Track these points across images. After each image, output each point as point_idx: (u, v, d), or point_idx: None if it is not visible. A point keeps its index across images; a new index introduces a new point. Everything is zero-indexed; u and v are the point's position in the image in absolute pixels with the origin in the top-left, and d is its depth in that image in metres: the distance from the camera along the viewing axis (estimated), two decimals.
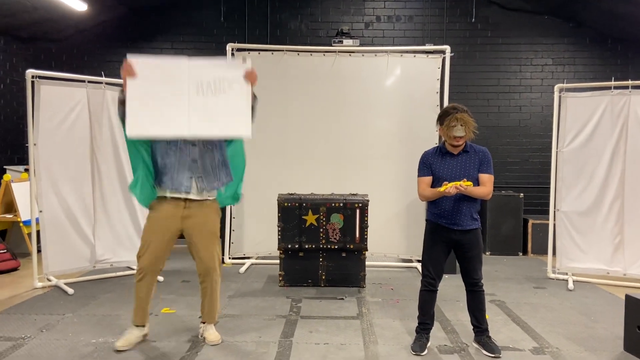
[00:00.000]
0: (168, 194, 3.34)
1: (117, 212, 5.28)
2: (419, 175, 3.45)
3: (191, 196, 3.34)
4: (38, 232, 4.93)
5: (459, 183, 3.20)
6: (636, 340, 3.35)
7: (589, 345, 3.57)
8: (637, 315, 3.36)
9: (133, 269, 5.40)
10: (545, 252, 5.65)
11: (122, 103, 3.16)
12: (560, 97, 5.39)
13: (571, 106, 5.34)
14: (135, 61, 3.12)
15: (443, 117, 3.35)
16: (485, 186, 3.33)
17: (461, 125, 3.27)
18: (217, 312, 3.65)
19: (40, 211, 4.83)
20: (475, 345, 3.52)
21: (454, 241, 3.39)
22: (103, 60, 7.15)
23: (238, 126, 3.22)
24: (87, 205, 5.12)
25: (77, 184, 5.06)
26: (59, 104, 4.91)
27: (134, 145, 3.32)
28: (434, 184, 3.39)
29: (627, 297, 3.48)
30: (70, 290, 4.70)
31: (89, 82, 5.09)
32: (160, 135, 3.17)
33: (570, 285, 5.11)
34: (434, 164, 3.40)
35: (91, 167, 5.14)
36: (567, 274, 5.34)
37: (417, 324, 3.54)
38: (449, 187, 3.18)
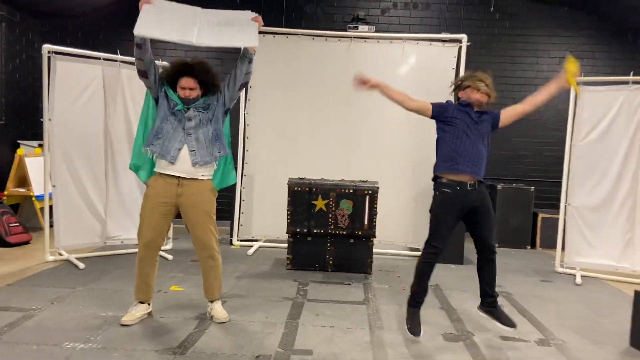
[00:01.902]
0: (162, 170, 3.41)
1: (128, 190, 5.33)
2: (431, 102, 3.42)
3: (178, 172, 3.39)
4: (50, 207, 4.99)
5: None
6: None
7: (594, 339, 3.57)
8: None
9: None
10: (554, 247, 5.63)
11: (138, 46, 3.36)
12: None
13: (587, 100, 5.27)
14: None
15: (466, 80, 3.41)
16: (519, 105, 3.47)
17: (485, 84, 3.33)
18: (220, 290, 3.69)
19: (54, 186, 4.89)
20: (484, 314, 3.49)
21: (468, 204, 3.32)
22: (119, 39, 7.15)
23: (245, 37, 3.40)
24: (100, 182, 5.17)
25: (90, 160, 5.10)
26: (74, 81, 4.94)
27: (146, 102, 3.58)
28: (446, 129, 3.36)
29: (636, 293, 3.46)
30: (81, 265, 4.77)
31: (105, 59, 5.11)
32: (167, 38, 3.32)
33: (578, 280, 5.09)
34: (451, 111, 3.36)
35: (104, 145, 5.18)
36: (575, 268, 5.32)
37: (410, 296, 3.45)
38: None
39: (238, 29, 3.39)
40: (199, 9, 3.48)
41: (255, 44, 3.41)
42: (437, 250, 3.35)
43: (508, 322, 3.41)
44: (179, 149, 3.38)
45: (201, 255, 3.56)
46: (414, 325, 3.39)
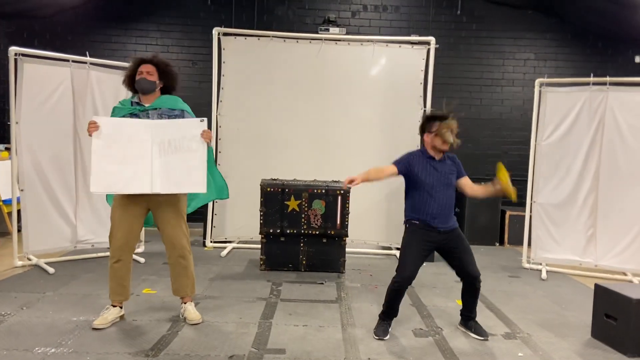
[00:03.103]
0: None
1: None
2: (394, 162, 3.51)
3: None
4: (19, 212, 4.91)
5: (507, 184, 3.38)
6: (603, 327, 3.50)
7: (558, 332, 3.71)
8: (604, 304, 3.50)
9: None
10: (521, 243, 5.80)
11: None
12: (540, 91, 5.50)
13: (551, 101, 5.46)
14: (101, 120, 3.40)
15: (431, 123, 3.44)
16: (473, 184, 3.59)
17: (451, 132, 3.38)
18: (194, 289, 3.71)
19: (22, 190, 4.81)
20: (462, 329, 3.64)
21: (438, 242, 3.45)
22: (87, 40, 7.06)
23: (193, 183, 3.46)
24: (69, 185, 5.11)
25: (59, 164, 5.04)
26: (42, 83, 4.87)
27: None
28: (416, 185, 3.44)
29: (597, 286, 3.62)
30: (50, 270, 4.70)
31: (73, 61, 5.05)
32: (123, 192, 3.39)
33: (544, 275, 5.26)
34: (417, 167, 3.45)
35: (74, 147, 5.12)
36: (541, 264, 5.50)
37: (381, 311, 3.59)
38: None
39: (186, 172, 3.41)
40: (148, 121, 3.42)
41: (202, 190, 3.47)
42: (406, 278, 3.44)
43: (481, 333, 3.54)
44: None
45: (172, 254, 3.56)
46: (379, 330, 3.51)
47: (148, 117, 3.45)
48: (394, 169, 3.49)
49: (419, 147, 3.69)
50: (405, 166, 3.47)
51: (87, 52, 5.23)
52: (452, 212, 3.51)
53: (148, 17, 7.17)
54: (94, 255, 5.27)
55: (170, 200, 3.48)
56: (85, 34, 7.11)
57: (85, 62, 5.12)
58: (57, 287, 4.30)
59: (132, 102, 3.53)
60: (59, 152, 5.02)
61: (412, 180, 3.47)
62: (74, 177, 5.14)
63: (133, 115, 3.46)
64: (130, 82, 3.51)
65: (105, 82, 5.24)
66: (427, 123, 3.48)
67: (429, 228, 3.42)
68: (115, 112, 3.53)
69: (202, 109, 6.90)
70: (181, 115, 3.53)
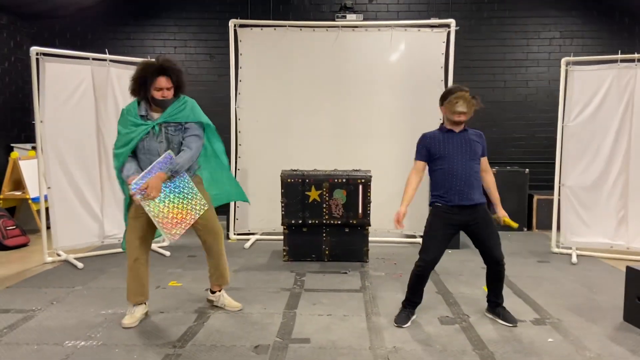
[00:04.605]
0: None
1: None
2: (415, 158, 3.48)
3: None
4: (47, 209, 5.01)
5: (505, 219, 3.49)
6: (635, 311, 3.39)
7: (589, 316, 3.61)
8: (637, 286, 3.39)
9: None
10: (550, 228, 5.67)
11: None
12: (567, 70, 5.33)
13: (578, 80, 5.28)
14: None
15: (446, 96, 3.40)
16: (488, 173, 3.55)
17: (463, 101, 3.31)
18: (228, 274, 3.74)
19: (49, 188, 4.90)
20: (490, 315, 3.58)
21: (463, 223, 3.39)
22: (107, 38, 7.14)
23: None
24: (94, 182, 5.19)
25: (84, 160, 5.12)
26: (64, 81, 4.94)
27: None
28: (437, 162, 3.40)
29: (628, 269, 3.51)
30: (79, 265, 4.80)
31: (94, 59, 5.11)
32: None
33: (574, 259, 5.14)
34: (433, 145, 3.40)
35: (97, 144, 5.19)
36: (571, 248, 5.36)
37: (404, 299, 3.57)
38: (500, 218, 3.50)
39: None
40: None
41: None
42: (429, 261, 3.40)
43: (509, 319, 3.47)
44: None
45: (215, 242, 3.57)
46: (400, 318, 3.48)
47: (156, 133, 3.36)
48: (420, 164, 3.45)
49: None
50: (424, 152, 3.43)
51: (107, 50, 5.27)
52: (477, 186, 3.40)
53: (165, 13, 7.20)
54: (121, 250, 5.34)
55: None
56: (104, 32, 7.19)
57: (105, 60, 5.17)
58: (86, 281, 4.38)
59: (139, 115, 3.38)
60: (83, 149, 5.10)
61: (432, 159, 3.42)
62: (99, 173, 5.22)
63: (144, 133, 3.34)
64: (140, 89, 3.35)
65: (124, 78, 5.24)
66: (444, 96, 3.42)
67: (452, 208, 3.35)
68: (125, 123, 3.39)
69: (221, 101, 6.95)
70: (189, 129, 3.40)
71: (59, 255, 5.03)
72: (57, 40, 7.08)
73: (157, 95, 3.33)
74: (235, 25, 5.81)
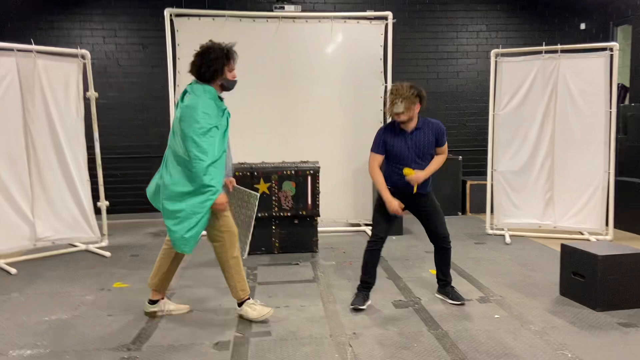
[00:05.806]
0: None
1: (56, 188, 5.04)
2: (372, 150, 3.54)
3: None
4: None
5: (411, 172, 3.40)
6: (571, 285, 3.67)
7: (528, 292, 3.87)
8: (572, 262, 3.66)
9: (76, 246, 5.23)
10: (483, 211, 6.00)
11: None
12: (496, 62, 5.63)
13: (506, 71, 5.60)
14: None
15: (388, 97, 3.48)
16: (439, 155, 3.58)
17: (400, 101, 3.33)
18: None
19: None
20: (439, 296, 3.74)
21: (409, 201, 3.52)
22: (32, 27, 6.66)
23: None
24: (24, 182, 4.85)
25: (11, 159, 4.77)
26: None
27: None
28: (389, 160, 3.50)
29: (563, 246, 3.78)
30: (12, 270, 4.49)
31: (18, 50, 4.76)
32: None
33: (508, 239, 5.47)
34: (388, 141, 3.48)
35: (25, 142, 4.86)
36: (503, 229, 5.70)
37: (359, 282, 3.66)
38: (411, 177, 3.40)
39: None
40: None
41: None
42: (379, 235, 3.54)
43: (458, 297, 3.65)
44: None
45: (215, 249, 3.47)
46: (356, 300, 3.57)
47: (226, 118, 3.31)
48: (378, 157, 3.51)
49: (382, 124, 3.71)
50: (381, 146, 3.50)
51: (32, 40, 4.93)
52: (424, 183, 3.52)
53: (92, 2, 6.81)
54: (56, 252, 5.06)
55: None
56: (28, 21, 6.69)
57: (31, 51, 4.83)
58: (22, 287, 4.11)
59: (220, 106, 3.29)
60: (9, 147, 4.75)
61: (387, 151, 3.51)
62: (28, 172, 4.88)
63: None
64: (220, 67, 3.22)
65: (52, 70, 4.97)
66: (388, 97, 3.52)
67: (400, 192, 3.50)
68: (212, 109, 3.21)
69: (157, 94, 6.72)
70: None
71: None
72: None
73: (230, 76, 3.27)
74: (171, 15, 5.62)
